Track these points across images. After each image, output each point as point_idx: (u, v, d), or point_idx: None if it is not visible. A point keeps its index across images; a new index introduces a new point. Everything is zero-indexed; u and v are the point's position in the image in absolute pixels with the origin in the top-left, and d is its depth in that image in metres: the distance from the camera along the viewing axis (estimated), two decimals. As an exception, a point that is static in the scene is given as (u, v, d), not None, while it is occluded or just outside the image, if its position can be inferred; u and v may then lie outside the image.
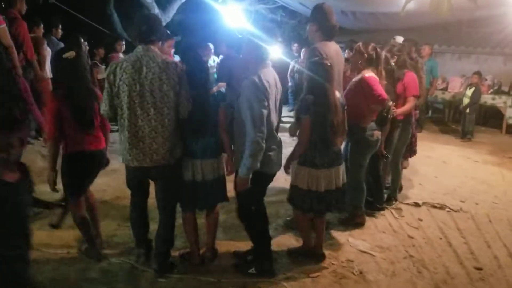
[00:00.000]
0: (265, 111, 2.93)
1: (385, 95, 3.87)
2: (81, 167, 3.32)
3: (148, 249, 3.43)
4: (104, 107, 3.00)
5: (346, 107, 3.51)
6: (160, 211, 3.31)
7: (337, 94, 3.44)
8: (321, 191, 3.38)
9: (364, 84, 3.89)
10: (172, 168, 3.15)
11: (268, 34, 3.08)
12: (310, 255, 3.65)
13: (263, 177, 3.19)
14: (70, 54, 3.26)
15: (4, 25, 4.80)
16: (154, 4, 10.37)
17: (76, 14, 7.83)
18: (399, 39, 6.34)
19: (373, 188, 4.58)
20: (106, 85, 2.96)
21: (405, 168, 5.48)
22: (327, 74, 3.30)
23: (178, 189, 3.27)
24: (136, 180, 3.24)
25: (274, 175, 3.28)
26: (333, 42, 3.90)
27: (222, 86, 3.29)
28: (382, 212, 4.62)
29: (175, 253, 3.53)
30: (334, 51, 3.81)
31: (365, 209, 4.40)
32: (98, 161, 3.43)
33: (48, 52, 6.62)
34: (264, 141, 2.94)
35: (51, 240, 3.72)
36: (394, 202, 4.87)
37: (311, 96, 3.29)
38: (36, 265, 3.29)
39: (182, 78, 3.03)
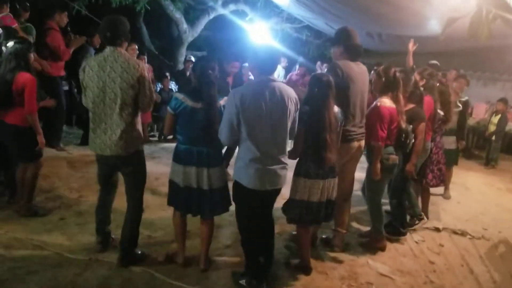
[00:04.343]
0: (229, 123, 3.04)
1: (383, 136, 3.85)
2: None
3: (107, 239, 3.73)
4: (83, 100, 3.36)
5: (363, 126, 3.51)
6: (128, 198, 3.56)
7: (336, 109, 3.43)
8: (312, 201, 3.38)
9: (376, 111, 3.90)
10: (134, 159, 3.43)
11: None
12: (297, 267, 3.62)
13: (244, 190, 3.14)
14: None
15: (16, 25, 5.07)
16: (183, 19, 10.57)
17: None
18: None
19: (396, 211, 4.52)
20: (81, 80, 3.33)
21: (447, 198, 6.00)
22: (325, 90, 3.32)
23: (144, 178, 3.57)
24: (105, 172, 3.56)
25: (260, 193, 3.13)
26: (359, 62, 3.89)
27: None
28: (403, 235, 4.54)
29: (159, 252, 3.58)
30: (356, 71, 3.79)
31: (389, 234, 4.38)
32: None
33: None
34: (224, 143, 3.20)
35: (73, 244, 3.78)
36: (417, 222, 4.72)
37: (306, 107, 3.32)
38: (58, 268, 3.37)
39: (144, 76, 3.27)
